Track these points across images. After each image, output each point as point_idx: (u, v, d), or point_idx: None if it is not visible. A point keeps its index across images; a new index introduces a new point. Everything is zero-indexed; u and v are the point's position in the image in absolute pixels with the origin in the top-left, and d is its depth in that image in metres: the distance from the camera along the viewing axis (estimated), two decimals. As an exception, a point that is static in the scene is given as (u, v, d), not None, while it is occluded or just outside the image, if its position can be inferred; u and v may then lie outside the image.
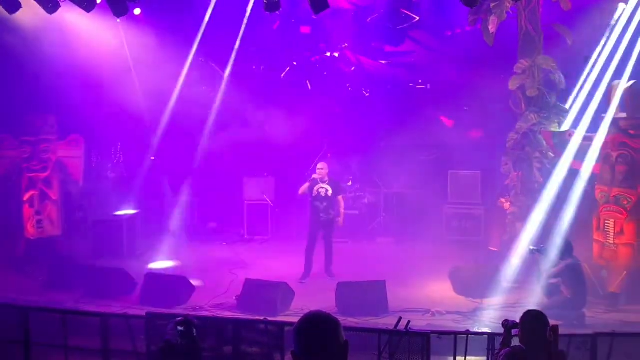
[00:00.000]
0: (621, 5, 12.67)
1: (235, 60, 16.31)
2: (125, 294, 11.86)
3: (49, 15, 11.80)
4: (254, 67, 17.47)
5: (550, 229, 12.57)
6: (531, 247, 10.88)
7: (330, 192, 12.62)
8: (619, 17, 12.74)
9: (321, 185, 12.64)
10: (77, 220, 15.39)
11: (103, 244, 14.58)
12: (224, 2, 15.35)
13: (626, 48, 12.46)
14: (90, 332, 9.34)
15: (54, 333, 9.10)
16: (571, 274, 10.54)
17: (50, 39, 13.54)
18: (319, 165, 12.81)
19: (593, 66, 13.00)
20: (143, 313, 9.20)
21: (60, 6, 11.52)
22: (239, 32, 15.92)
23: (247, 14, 15.51)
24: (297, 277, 12.57)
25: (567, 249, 10.61)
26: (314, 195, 12.67)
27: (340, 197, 12.88)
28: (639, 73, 11.94)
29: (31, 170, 13.86)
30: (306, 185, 12.78)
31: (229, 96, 16.42)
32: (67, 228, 14.77)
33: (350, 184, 16.50)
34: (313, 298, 11.59)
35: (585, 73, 13.12)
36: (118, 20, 14.18)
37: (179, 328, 6.67)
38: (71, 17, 13.20)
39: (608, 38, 12.84)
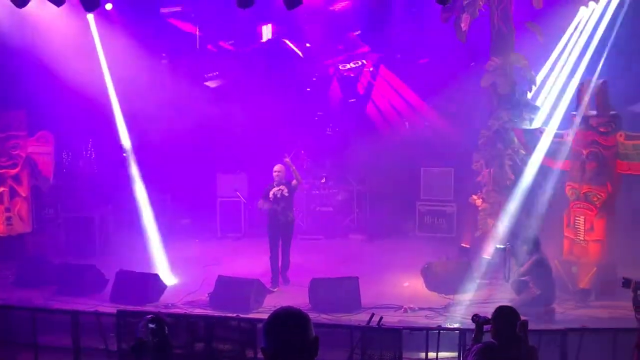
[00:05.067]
0: (591, 4, 12.78)
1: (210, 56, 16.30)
2: (97, 291, 11.77)
3: (18, 9, 11.64)
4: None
5: (520, 225, 12.72)
6: (498, 246, 10.96)
7: (286, 192, 12.35)
8: (590, 16, 12.87)
9: (277, 187, 12.40)
10: (48, 217, 15.24)
11: (74, 241, 14.45)
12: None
13: (596, 46, 12.58)
14: (61, 330, 9.27)
15: (24, 331, 9.02)
16: (539, 270, 10.64)
17: (20, 33, 13.38)
18: (276, 168, 12.47)
19: (564, 64, 13.13)
20: (114, 311, 9.14)
21: (29, 0, 11.36)
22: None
23: None
24: (270, 274, 12.50)
25: (535, 245, 10.71)
26: (271, 199, 12.40)
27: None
28: (610, 71, 12.07)
29: (0, 167, 13.68)
30: (261, 201, 12.50)
31: (201, 93, 16.39)
32: (38, 225, 14.61)
33: (323, 181, 16.49)
34: (286, 295, 11.60)
35: (556, 71, 13.25)
36: (89, 15, 14.05)
37: (150, 325, 6.62)
38: (41, 11, 13.05)
39: (579, 36, 12.97)
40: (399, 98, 17.51)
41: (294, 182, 12.44)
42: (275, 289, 12.15)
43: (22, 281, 12.35)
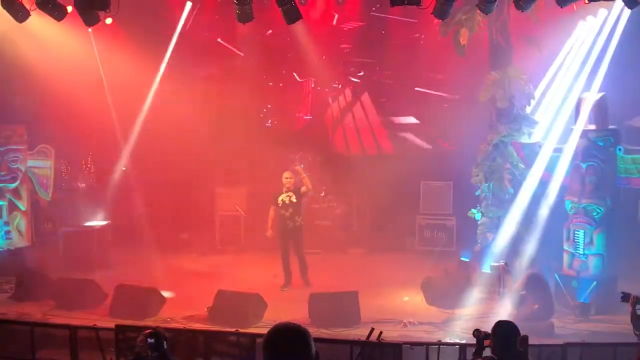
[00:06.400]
0: (590, 19, 12.81)
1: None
2: (95, 305, 11.73)
3: (18, 23, 11.67)
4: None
5: (518, 239, 12.71)
6: (492, 264, 10.97)
7: (294, 199, 12.71)
8: (588, 30, 12.89)
9: (285, 194, 12.75)
10: (47, 231, 15.20)
11: (73, 255, 14.39)
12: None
13: (595, 60, 12.59)
14: (59, 345, 9.24)
15: (22, 346, 8.99)
16: (534, 284, 10.64)
17: (20, 48, 13.41)
18: (285, 175, 12.86)
19: (563, 78, 13.14)
20: (113, 325, 9.11)
21: (30, 15, 11.38)
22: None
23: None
24: (270, 288, 12.47)
25: (528, 259, 10.71)
26: (280, 205, 12.78)
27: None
28: (608, 85, 12.10)
29: (0, 181, 13.67)
30: (270, 216, 12.91)
31: (201, 106, 16.41)
32: (37, 239, 14.57)
33: (323, 194, 16.48)
34: (285, 309, 11.54)
35: (555, 85, 13.26)
36: (89, 30, 14.08)
37: (149, 340, 6.59)
38: (41, 25, 13.08)
39: (578, 50, 12.99)
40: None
41: (303, 188, 12.74)
42: (285, 289, 12.82)
43: (20, 295, 12.32)
